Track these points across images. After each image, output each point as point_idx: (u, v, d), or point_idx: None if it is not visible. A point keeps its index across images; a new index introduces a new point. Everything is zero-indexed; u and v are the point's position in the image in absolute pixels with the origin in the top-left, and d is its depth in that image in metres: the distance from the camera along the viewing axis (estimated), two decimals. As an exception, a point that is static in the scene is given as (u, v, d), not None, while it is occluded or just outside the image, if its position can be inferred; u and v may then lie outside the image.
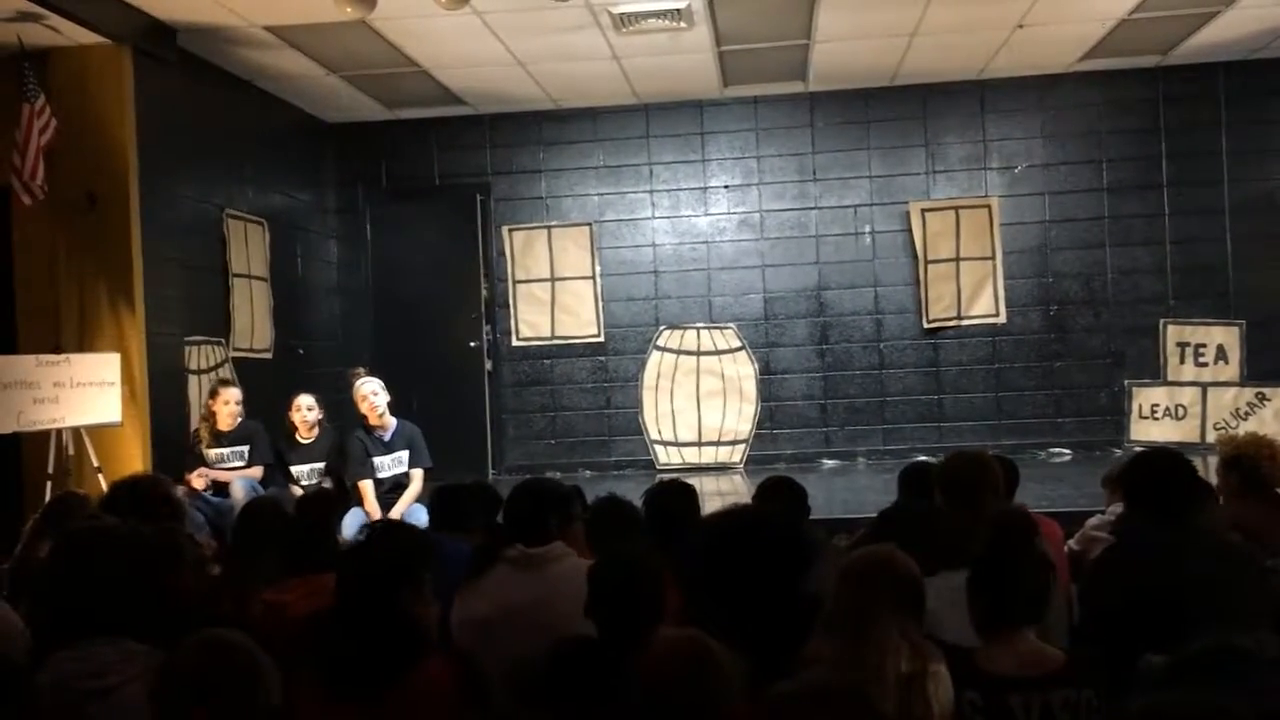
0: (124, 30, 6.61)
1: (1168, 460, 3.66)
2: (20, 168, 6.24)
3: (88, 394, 6.29)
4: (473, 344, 9.36)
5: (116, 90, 6.72)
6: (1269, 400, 8.86)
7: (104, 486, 6.01)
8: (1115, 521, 4.03)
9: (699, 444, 9.32)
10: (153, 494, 3.82)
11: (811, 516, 4.30)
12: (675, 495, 4.14)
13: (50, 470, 6.17)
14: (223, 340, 7.74)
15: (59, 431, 6.24)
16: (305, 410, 6.92)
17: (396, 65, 7.97)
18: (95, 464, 6.25)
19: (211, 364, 7.56)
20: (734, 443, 9.27)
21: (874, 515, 3.76)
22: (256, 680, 2.13)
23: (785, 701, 1.90)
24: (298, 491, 6.61)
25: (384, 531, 3.18)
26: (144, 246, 6.79)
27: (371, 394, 6.82)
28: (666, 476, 8.27)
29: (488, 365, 9.47)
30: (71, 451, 6.30)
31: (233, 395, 6.82)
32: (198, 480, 6.53)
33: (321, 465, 6.93)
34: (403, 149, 9.62)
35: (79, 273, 6.74)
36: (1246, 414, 8.88)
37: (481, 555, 3.50)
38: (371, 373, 7.19)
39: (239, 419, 6.82)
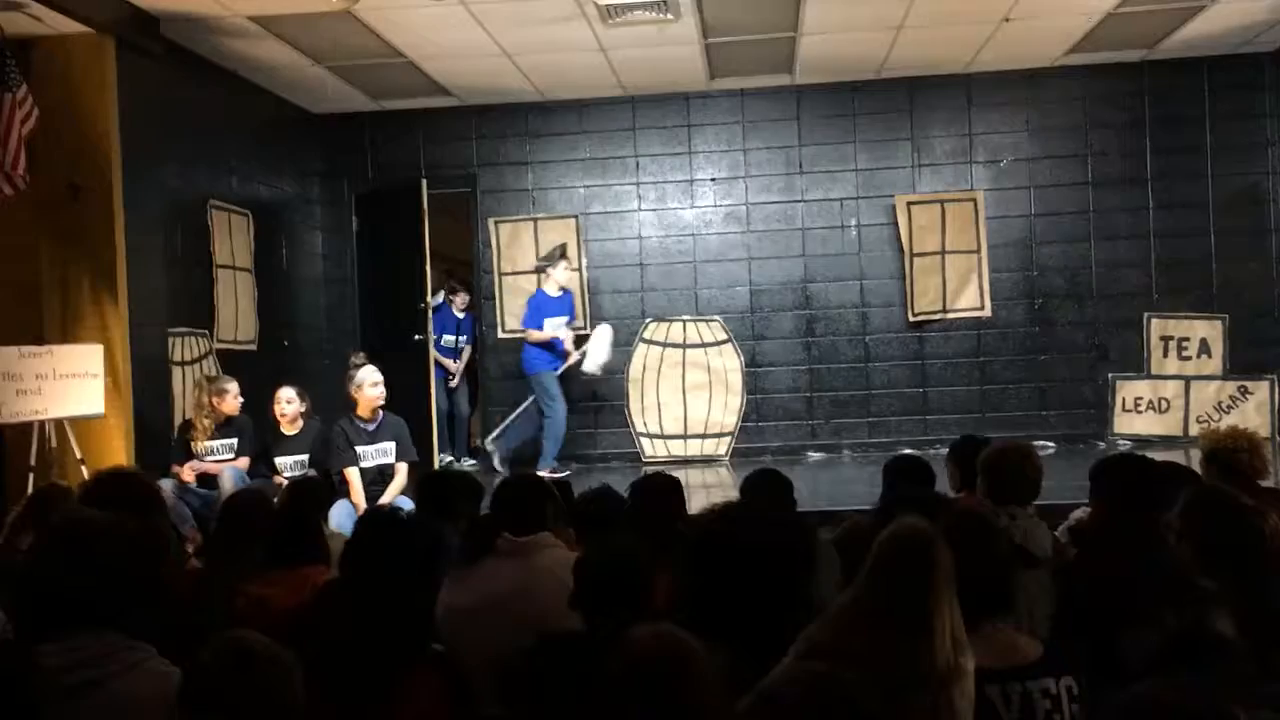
0: (107, 19, 6.57)
1: (1131, 463, 3.76)
2: (1, 158, 6.19)
3: (70, 385, 6.25)
4: (417, 338, 9.12)
5: (99, 80, 6.68)
6: (1251, 394, 8.91)
7: (87, 478, 5.99)
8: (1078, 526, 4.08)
9: (685, 436, 9.32)
10: (133, 486, 3.80)
11: (797, 509, 4.30)
12: (661, 488, 4.15)
13: (33, 462, 6.13)
14: (207, 332, 7.72)
15: (42, 423, 6.20)
16: (285, 404, 6.90)
17: (382, 56, 7.94)
18: (78, 455, 6.21)
19: (195, 355, 7.54)
20: (720, 435, 9.28)
21: (857, 508, 3.77)
22: (280, 685, 2.11)
23: (770, 699, 1.87)
24: (281, 483, 6.60)
25: (385, 523, 3.18)
26: (127, 237, 6.75)
27: (373, 384, 6.79)
28: (652, 469, 8.32)
29: (435, 359, 9.31)
30: (54, 443, 6.26)
31: (235, 388, 6.83)
32: (187, 473, 6.51)
33: (305, 458, 6.91)
34: (388, 140, 9.59)
35: (62, 264, 6.70)
36: (1229, 407, 8.92)
37: (473, 544, 3.50)
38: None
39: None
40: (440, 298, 9.80)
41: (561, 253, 9.17)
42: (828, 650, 2.32)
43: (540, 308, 8.85)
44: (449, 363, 9.72)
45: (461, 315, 9.89)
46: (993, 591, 2.57)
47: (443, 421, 9.48)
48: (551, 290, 8.93)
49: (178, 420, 7.11)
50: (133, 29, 6.75)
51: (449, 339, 9.76)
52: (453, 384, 9.74)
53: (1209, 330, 9.03)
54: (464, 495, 4.44)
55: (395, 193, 9.45)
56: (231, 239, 8.10)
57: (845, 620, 2.40)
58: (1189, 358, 9.06)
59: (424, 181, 9.13)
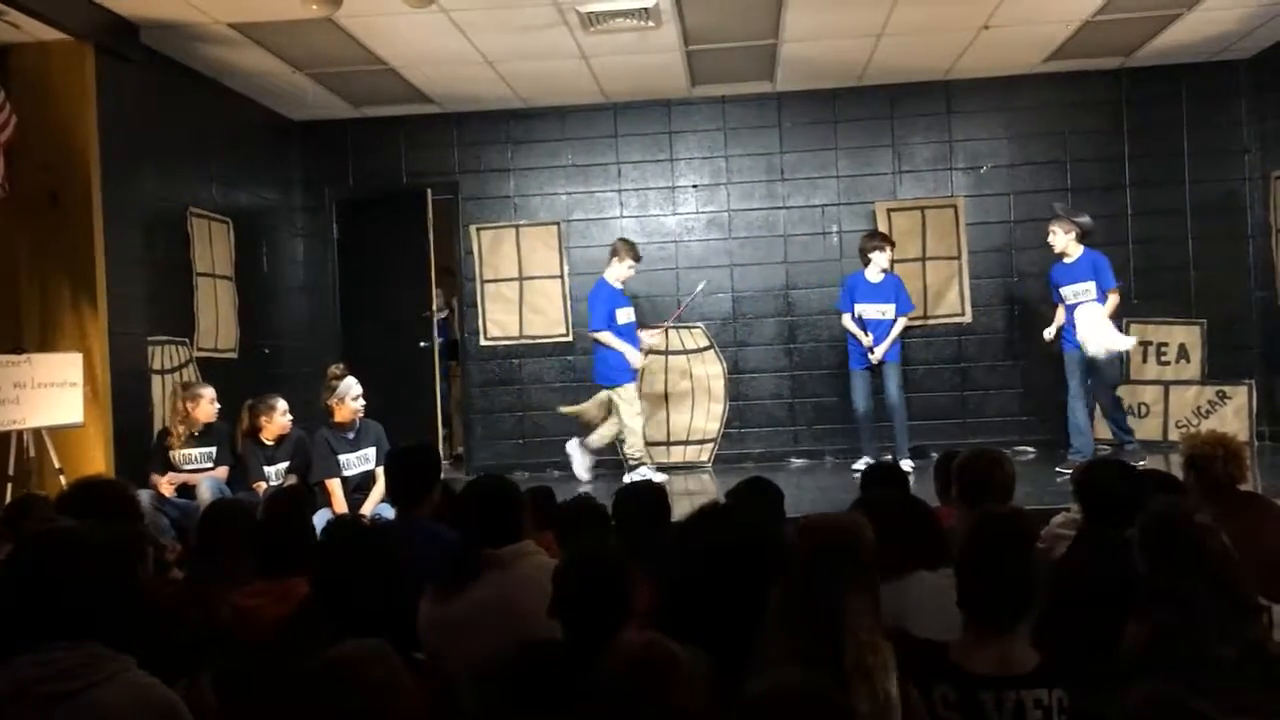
0: (86, 27, 6.53)
1: (1111, 469, 3.78)
2: (-21, 165, 6.15)
3: (49, 394, 6.21)
4: (423, 344, 9.15)
5: (78, 87, 6.64)
6: (1230, 398, 8.98)
7: (65, 488, 5.94)
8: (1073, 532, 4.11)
9: (668, 443, 9.32)
10: (110, 494, 3.78)
11: (783, 518, 4.30)
12: (644, 495, 4.14)
13: (11, 472, 6.10)
14: (187, 340, 7.67)
15: (20, 433, 6.16)
16: (281, 415, 6.85)
17: (363, 63, 7.93)
18: (57, 465, 6.17)
19: (175, 364, 7.49)
20: (702, 442, 9.28)
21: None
22: (396, 694, 2.11)
23: (755, 704, 1.87)
24: (261, 492, 6.55)
25: (352, 531, 3.16)
26: (107, 245, 6.71)
27: (354, 398, 6.76)
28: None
29: (438, 366, 9.28)
30: (33, 453, 6.23)
31: (210, 394, 6.76)
32: (166, 487, 6.46)
33: (285, 466, 6.87)
34: (370, 147, 9.57)
35: (40, 272, 6.66)
36: (1208, 412, 8.99)
37: (461, 567, 3.46)
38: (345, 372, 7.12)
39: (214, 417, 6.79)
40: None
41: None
42: (770, 650, 2.33)
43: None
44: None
45: None
46: (1015, 595, 2.54)
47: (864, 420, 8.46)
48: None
49: (158, 429, 7.06)
50: (112, 36, 6.72)
51: None
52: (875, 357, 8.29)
53: (1187, 335, 9.10)
54: (426, 471, 4.41)
55: (376, 200, 9.46)
56: (212, 247, 8.06)
57: (774, 616, 2.43)
58: (1168, 363, 9.12)
59: (429, 190, 9.19)
